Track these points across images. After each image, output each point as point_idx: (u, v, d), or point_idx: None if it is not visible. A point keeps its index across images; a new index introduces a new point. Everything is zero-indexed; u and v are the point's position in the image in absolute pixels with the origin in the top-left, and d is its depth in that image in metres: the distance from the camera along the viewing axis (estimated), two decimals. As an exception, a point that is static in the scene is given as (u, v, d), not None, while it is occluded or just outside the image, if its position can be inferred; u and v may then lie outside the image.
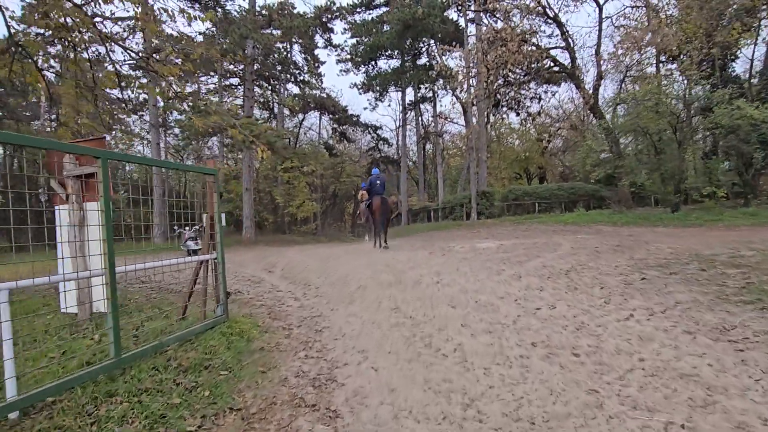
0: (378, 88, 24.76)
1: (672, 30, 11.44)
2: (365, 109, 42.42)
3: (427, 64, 22.38)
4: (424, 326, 4.22)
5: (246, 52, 18.95)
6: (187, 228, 14.32)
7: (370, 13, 24.89)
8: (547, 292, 5.07)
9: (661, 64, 14.27)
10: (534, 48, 14.61)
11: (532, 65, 22.47)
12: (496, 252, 8.47)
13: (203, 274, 3.87)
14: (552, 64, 15.43)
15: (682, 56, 13.17)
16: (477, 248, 9.20)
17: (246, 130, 13.33)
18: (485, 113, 19.12)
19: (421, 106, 29.51)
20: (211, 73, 26.81)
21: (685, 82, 13.11)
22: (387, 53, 23.35)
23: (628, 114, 12.37)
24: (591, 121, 32.00)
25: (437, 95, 25.29)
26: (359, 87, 25.86)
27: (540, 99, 31.46)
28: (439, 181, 23.14)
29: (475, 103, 15.93)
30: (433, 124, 30.22)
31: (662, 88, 12.42)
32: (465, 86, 17.48)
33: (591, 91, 14.10)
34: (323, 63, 30.85)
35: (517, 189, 19.54)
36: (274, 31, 22.91)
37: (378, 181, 10.62)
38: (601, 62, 13.28)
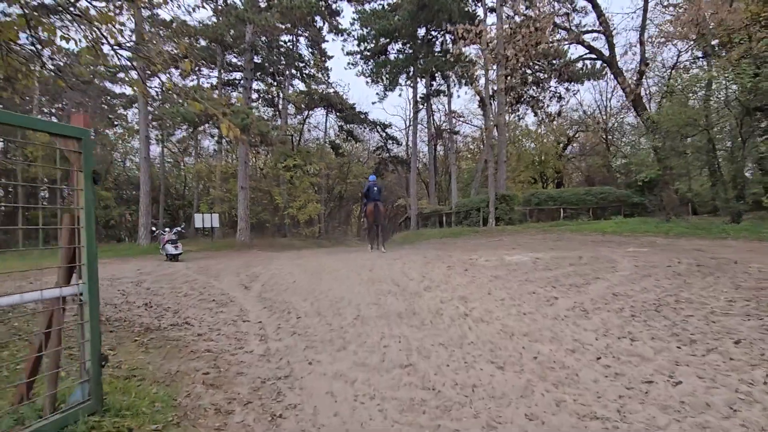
0: (387, 76, 22.90)
1: (741, 5, 9.62)
2: (373, 104, 40.03)
3: (443, 50, 20.39)
4: (460, 414, 2.43)
5: (245, 39, 17.35)
6: (167, 229, 12.65)
7: (380, 3, 23.21)
8: (645, 344, 3.26)
9: (715, 51, 12.32)
10: (566, 32, 12.80)
11: (555, 60, 20.67)
12: (535, 268, 6.65)
13: (56, 323, 2.11)
14: (587, 52, 13.58)
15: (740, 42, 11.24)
16: (507, 262, 7.39)
17: (237, 118, 11.68)
18: (505, 107, 17.28)
19: (434, 104, 27.75)
20: (212, 66, 25.36)
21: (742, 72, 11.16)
22: (398, 44, 21.47)
23: (680, 104, 10.50)
24: (615, 124, 30.00)
25: (452, 85, 23.18)
26: (367, 75, 24.03)
27: (560, 98, 29.66)
28: (452, 182, 21.19)
29: (494, 91, 14.08)
30: (446, 122, 28.44)
31: (721, 77, 10.55)
32: (485, 73, 15.73)
33: (633, 80, 12.27)
34: (331, 57, 29.32)
35: (541, 193, 17.58)
36: (278, 24, 21.39)
37: (375, 188, 10.85)
38: (647, 46, 11.42)
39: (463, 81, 22.57)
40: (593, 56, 13.62)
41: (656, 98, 12.53)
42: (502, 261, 7.56)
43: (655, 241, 9.32)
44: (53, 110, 29.09)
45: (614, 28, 13.12)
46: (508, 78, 12.85)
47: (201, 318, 4.64)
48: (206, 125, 16.35)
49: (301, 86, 29.45)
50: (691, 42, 12.38)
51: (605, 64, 13.92)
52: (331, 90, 29.17)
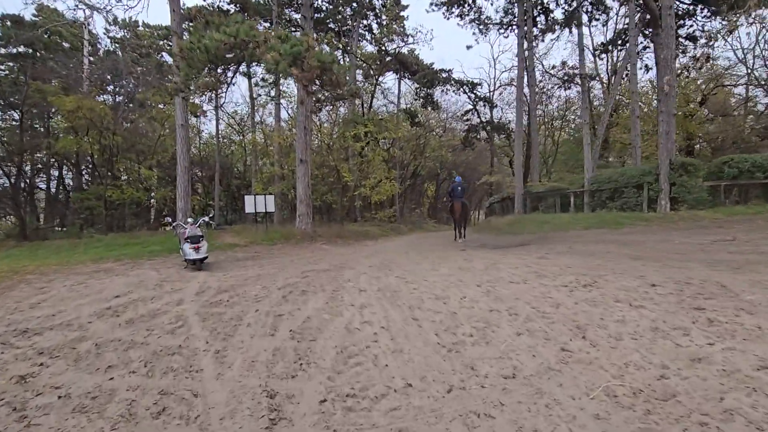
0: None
1: None
2: (468, 48, 31.94)
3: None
4: None
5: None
6: (189, 219, 8.83)
7: None
8: None
9: None
10: None
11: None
12: None
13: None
14: None
15: None
16: None
17: (284, 45, 7.39)
18: (673, 31, 11.47)
19: (536, 59, 21.84)
20: (266, 20, 21.56)
21: None
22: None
23: None
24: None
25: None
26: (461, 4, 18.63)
27: (710, 38, 22.48)
28: (584, 148, 15.30)
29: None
30: (555, 73, 22.37)
31: None
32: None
33: None
34: (406, 6, 24.63)
35: (741, 160, 11.42)
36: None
37: (459, 188, 11.37)
38: None
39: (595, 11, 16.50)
40: None
41: None
42: None
43: None
44: (116, 87, 27.39)
45: None
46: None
47: None
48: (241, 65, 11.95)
49: (370, 48, 25.30)
50: None
51: None
52: (405, 48, 24.64)
